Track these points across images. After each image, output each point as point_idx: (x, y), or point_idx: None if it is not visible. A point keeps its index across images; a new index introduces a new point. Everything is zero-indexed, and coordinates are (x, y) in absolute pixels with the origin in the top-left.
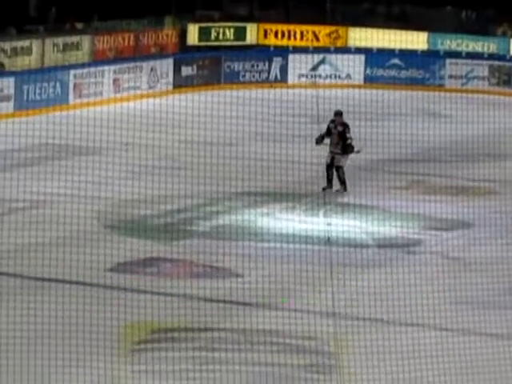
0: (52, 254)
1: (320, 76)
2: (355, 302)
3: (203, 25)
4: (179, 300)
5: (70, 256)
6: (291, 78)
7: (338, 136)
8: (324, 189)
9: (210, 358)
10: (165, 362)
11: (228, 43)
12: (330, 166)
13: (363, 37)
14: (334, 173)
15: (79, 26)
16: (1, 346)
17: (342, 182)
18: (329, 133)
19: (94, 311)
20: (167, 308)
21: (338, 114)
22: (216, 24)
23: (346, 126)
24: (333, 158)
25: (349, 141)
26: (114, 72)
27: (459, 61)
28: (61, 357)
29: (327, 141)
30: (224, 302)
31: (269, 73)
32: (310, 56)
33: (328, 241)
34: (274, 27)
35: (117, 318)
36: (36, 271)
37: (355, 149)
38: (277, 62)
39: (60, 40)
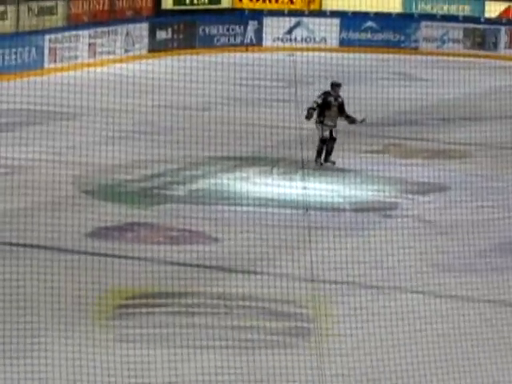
0: (29, 219)
1: (295, 39)
2: (332, 266)
3: None
4: (156, 264)
5: (47, 221)
6: (266, 42)
7: (338, 109)
8: (322, 163)
9: (187, 323)
10: (143, 326)
11: (203, 7)
12: (326, 140)
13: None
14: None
15: None
16: None
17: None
18: (327, 106)
19: (71, 276)
20: (144, 272)
21: (337, 85)
22: None
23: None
24: (331, 132)
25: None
26: (89, 36)
27: (434, 23)
28: (39, 321)
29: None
30: (201, 266)
31: (244, 36)
32: (285, 19)
33: (306, 211)
34: None
35: (95, 283)
36: (12, 236)
37: (360, 118)
38: (252, 25)
39: (35, 4)
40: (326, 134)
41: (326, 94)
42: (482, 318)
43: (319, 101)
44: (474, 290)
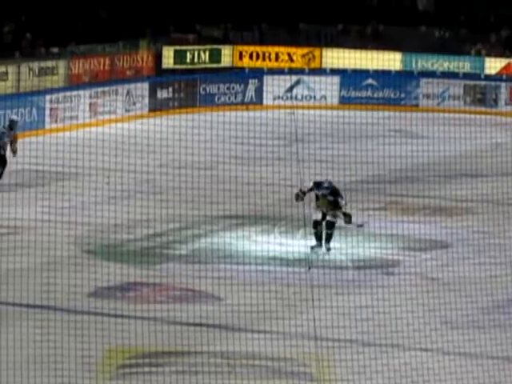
0: (31, 280)
1: (296, 97)
2: (335, 324)
3: (178, 48)
4: (159, 324)
5: (49, 281)
6: (267, 100)
7: (330, 202)
8: (313, 247)
9: (190, 382)
10: None
11: (203, 66)
12: (317, 223)
13: (338, 57)
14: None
15: (54, 50)
16: None
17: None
18: (316, 197)
19: (74, 336)
20: (147, 332)
21: (318, 185)
22: (191, 47)
23: (337, 193)
24: (324, 214)
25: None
26: (90, 96)
27: (434, 80)
28: (42, 382)
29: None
30: (203, 325)
31: (244, 95)
32: (285, 78)
33: (308, 269)
34: (248, 49)
35: (97, 342)
36: (15, 297)
37: (360, 222)
38: (252, 83)
39: (35, 65)
40: (318, 216)
41: (315, 186)
42: (486, 374)
43: (305, 190)
44: (477, 347)
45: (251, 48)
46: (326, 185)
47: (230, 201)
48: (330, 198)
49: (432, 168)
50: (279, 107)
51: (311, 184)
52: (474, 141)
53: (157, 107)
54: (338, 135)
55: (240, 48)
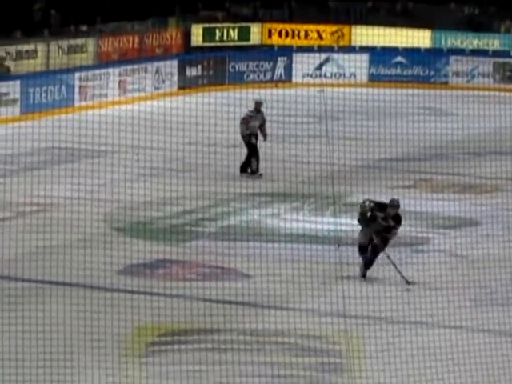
0: (61, 257)
1: (325, 75)
2: (364, 301)
3: (207, 25)
4: (188, 301)
5: (79, 258)
6: (296, 78)
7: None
8: (364, 276)
9: (220, 359)
10: (175, 363)
11: (232, 43)
12: (365, 248)
13: (367, 35)
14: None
15: (83, 28)
16: (16, 349)
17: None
18: (373, 219)
19: (104, 313)
20: (176, 309)
21: (394, 205)
22: (220, 24)
23: (398, 220)
24: (371, 240)
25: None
26: (119, 74)
27: (463, 58)
28: (71, 358)
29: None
30: (232, 302)
31: (273, 72)
32: (314, 55)
33: (338, 247)
34: (277, 27)
35: (127, 320)
36: (45, 274)
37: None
38: (281, 61)
39: (65, 43)
40: (365, 239)
41: (377, 207)
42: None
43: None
44: (503, 325)
45: (280, 26)
46: (392, 206)
47: (259, 178)
48: (391, 222)
49: (461, 146)
50: (308, 85)
51: (368, 203)
52: (504, 118)
53: (186, 85)
54: (367, 113)
55: (269, 26)
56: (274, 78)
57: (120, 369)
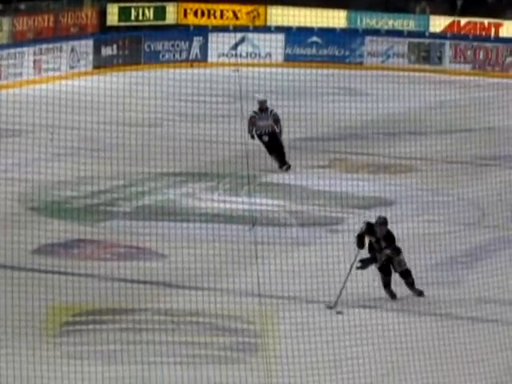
0: None
1: (240, 55)
2: (279, 281)
3: (123, 5)
4: (103, 281)
5: None
6: (211, 58)
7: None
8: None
9: (135, 339)
10: (90, 343)
11: (148, 23)
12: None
13: (282, 15)
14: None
15: None
16: None
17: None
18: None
19: (18, 293)
20: (91, 289)
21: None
22: (135, 4)
23: (391, 239)
24: (389, 259)
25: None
26: (34, 53)
27: (378, 38)
28: None
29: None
30: (147, 282)
31: (189, 52)
32: (230, 35)
33: (252, 227)
34: (193, 6)
35: (42, 299)
36: None
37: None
38: (197, 41)
39: None
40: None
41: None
42: (430, 332)
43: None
44: (421, 304)
45: (196, 5)
46: (380, 224)
47: (174, 158)
48: (383, 243)
49: (376, 126)
50: (223, 65)
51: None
52: (418, 98)
53: (101, 64)
54: (282, 93)
55: (185, 5)
56: (190, 57)
57: (34, 348)
